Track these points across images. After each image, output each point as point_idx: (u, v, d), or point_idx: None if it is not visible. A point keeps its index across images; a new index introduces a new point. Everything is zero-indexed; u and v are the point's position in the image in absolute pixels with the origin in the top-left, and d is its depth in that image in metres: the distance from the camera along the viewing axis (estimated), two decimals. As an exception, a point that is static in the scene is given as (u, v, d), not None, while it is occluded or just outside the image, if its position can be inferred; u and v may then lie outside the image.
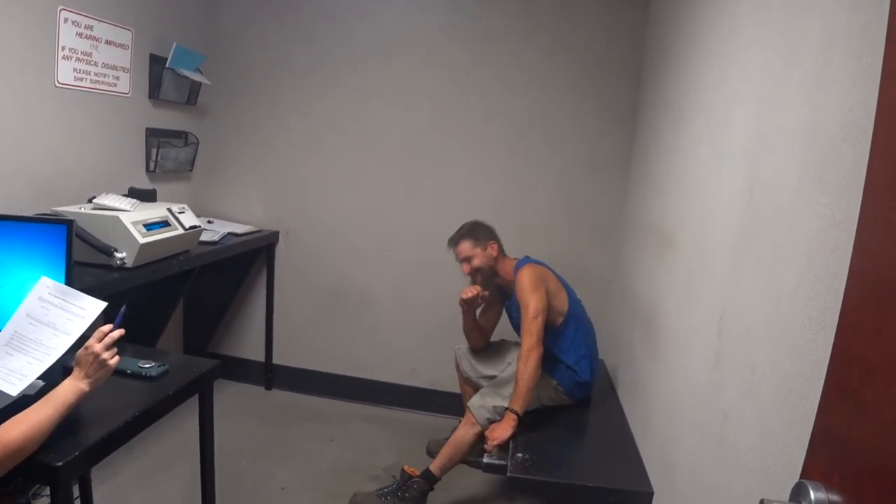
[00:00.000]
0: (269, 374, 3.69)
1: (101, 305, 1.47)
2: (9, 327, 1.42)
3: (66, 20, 2.53)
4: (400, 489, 2.44)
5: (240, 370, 3.66)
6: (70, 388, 1.28)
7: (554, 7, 3.17)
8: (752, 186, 1.42)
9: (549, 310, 2.41)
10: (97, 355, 1.32)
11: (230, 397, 3.45)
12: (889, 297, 0.66)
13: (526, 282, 2.41)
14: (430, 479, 2.41)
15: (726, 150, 1.65)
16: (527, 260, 2.55)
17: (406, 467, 2.48)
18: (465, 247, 2.54)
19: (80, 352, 1.34)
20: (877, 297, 0.69)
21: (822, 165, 1.07)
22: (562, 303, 2.51)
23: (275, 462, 2.87)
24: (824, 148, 1.07)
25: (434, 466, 2.41)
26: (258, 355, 3.70)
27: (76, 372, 1.32)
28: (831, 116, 1.05)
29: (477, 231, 2.57)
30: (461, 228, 2.60)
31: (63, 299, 1.47)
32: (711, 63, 1.90)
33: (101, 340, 1.35)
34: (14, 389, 1.32)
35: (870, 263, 0.72)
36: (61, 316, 1.44)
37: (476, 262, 2.52)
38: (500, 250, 2.59)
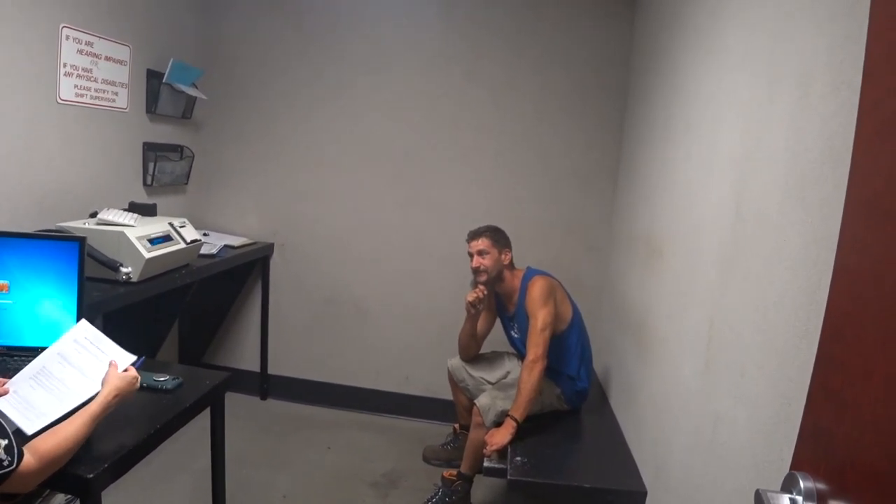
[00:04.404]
0: (265, 385, 3.73)
1: (130, 358, 1.54)
2: (38, 361, 1.46)
3: (67, 37, 2.57)
4: (447, 495, 2.63)
5: (235, 380, 3.68)
6: (100, 404, 1.36)
7: (542, 24, 3.28)
8: (739, 203, 1.52)
9: (555, 321, 2.50)
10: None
11: (226, 407, 3.48)
12: (866, 312, 0.76)
13: (537, 293, 2.48)
14: (467, 479, 2.64)
15: (714, 167, 1.75)
16: (535, 271, 2.63)
17: (445, 473, 2.70)
18: (485, 243, 2.60)
19: (110, 371, 1.43)
20: (856, 311, 0.79)
21: (804, 186, 1.17)
22: (566, 311, 2.60)
23: (274, 470, 2.92)
24: (806, 170, 1.17)
25: (464, 469, 2.63)
26: (253, 366, 3.74)
27: (105, 389, 1.39)
28: (813, 142, 1.15)
29: (499, 235, 2.65)
30: (485, 226, 2.67)
31: (97, 346, 1.52)
32: (699, 82, 2.00)
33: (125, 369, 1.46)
34: (31, 428, 1.34)
35: (849, 280, 0.82)
36: (91, 361, 1.48)
37: (487, 262, 2.59)
38: (511, 261, 2.67)
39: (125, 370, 1.47)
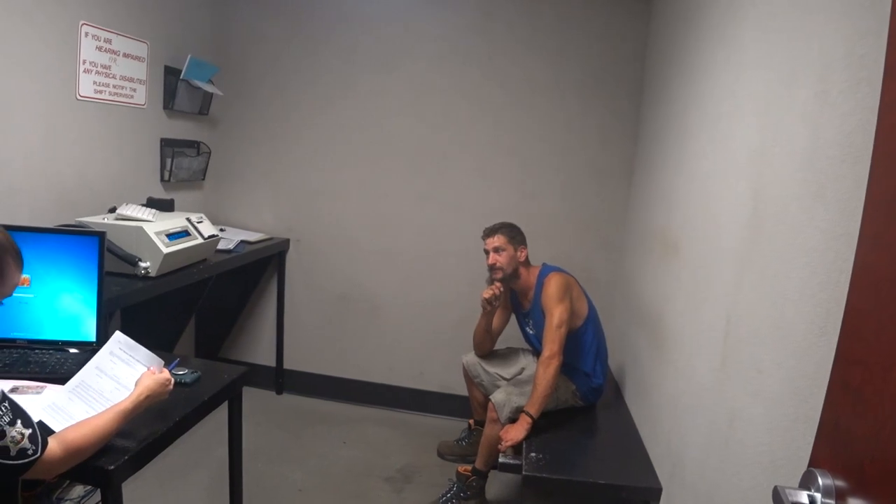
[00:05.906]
0: (280, 379, 3.76)
1: (160, 363, 1.60)
2: (78, 375, 1.49)
3: (86, 34, 2.61)
4: (462, 490, 2.63)
5: (251, 375, 3.71)
6: (131, 401, 1.39)
7: (557, 18, 3.27)
8: (756, 198, 1.51)
9: (571, 317, 2.50)
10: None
11: (242, 402, 3.53)
12: (886, 309, 0.75)
13: (553, 289, 2.49)
14: (482, 475, 2.64)
15: (730, 163, 1.74)
16: (550, 268, 2.63)
17: (460, 468, 2.69)
18: (501, 240, 2.61)
19: (145, 374, 1.48)
20: (876, 307, 0.78)
21: (823, 183, 1.16)
22: (582, 308, 2.61)
23: (290, 464, 2.94)
24: (824, 166, 1.16)
25: (479, 465, 2.63)
26: (269, 360, 3.78)
27: (137, 389, 1.43)
28: (831, 138, 1.14)
29: (514, 231, 2.66)
30: (500, 223, 2.68)
31: (130, 355, 1.57)
32: (716, 77, 1.98)
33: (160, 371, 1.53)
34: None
35: (869, 277, 0.81)
36: (125, 370, 1.53)
37: (502, 260, 2.60)
38: (527, 257, 2.67)
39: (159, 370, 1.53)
